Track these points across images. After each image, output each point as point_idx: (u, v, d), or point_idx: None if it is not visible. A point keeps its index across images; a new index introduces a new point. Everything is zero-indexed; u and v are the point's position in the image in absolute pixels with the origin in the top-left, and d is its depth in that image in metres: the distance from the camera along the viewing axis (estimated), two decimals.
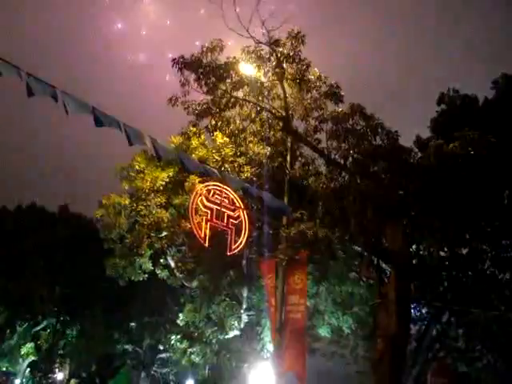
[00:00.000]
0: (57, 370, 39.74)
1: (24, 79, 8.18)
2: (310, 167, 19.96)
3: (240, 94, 17.75)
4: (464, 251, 19.96)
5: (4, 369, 39.44)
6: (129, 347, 35.87)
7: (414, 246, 19.30)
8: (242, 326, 20.65)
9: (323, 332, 22.27)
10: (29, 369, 37.82)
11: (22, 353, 36.27)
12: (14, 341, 35.87)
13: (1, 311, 33.96)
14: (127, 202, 19.87)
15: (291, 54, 17.64)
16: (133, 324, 34.90)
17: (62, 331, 36.02)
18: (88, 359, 36.24)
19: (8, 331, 35.52)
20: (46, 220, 34.56)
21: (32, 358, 36.60)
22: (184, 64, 17.59)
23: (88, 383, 38.34)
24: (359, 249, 19.11)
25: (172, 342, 21.57)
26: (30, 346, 36.07)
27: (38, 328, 35.81)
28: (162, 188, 19.13)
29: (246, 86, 17.68)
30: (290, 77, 17.64)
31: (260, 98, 17.85)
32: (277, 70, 17.46)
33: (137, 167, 19.97)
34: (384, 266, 17.37)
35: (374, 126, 17.50)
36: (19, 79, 8.22)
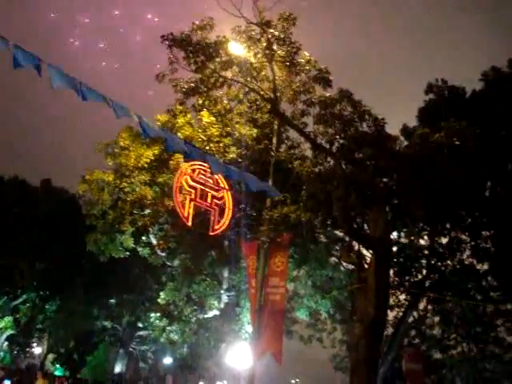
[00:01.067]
0: (35, 344, 39.68)
1: (11, 49, 8.02)
2: (296, 151, 19.98)
3: (229, 74, 17.59)
4: (444, 240, 20.16)
5: None
6: (108, 324, 35.88)
7: (395, 233, 19.45)
8: (222, 306, 20.76)
9: (301, 315, 22.49)
10: (6, 342, 37.69)
11: (0, 326, 36.11)
12: None
13: None
14: (111, 178, 19.75)
15: (282, 36, 17.47)
16: (112, 301, 34.86)
17: (41, 306, 35.84)
18: (67, 335, 36.20)
19: None
20: (28, 194, 34.17)
21: (10, 331, 36.45)
22: (173, 41, 17.37)
23: (66, 358, 38.35)
24: (341, 234, 19.25)
25: (151, 319, 21.67)
26: (8, 319, 35.87)
27: (17, 302, 35.57)
28: (146, 165, 19.03)
29: (235, 66, 17.52)
30: (279, 59, 17.46)
31: (249, 79, 17.70)
32: (267, 51, 17.27)
33: (121, 144, 19.81)
34: (365, 251, 17.48)
35: (361, 112, 17.45)
36: (6, 50, 8.06)
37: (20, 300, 35.54)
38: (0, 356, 37.32)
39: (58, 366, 39.26)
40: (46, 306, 35.69)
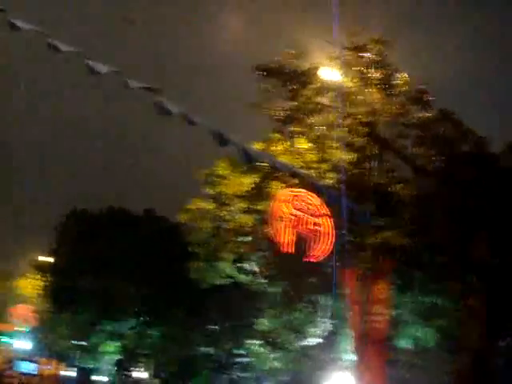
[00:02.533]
0: (141, 369, 40.92)
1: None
2: (395, 174, 19.53)
3: (324, 99, 17.65)
4: None
5: (90, 366, 41.10)
6: (210, 350, 36.36)
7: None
8: (323, 333, 20.48)
9: (405, 343, 21.72)
10: (113, 367, 39.19)
11: (108, 351, 37.63)
12: (100, 339, 37.29)
13: (88, 310, 35.40)
14: (211, 206, 20.20)
15: (377, 59, 17.38)
16: (213, 327, 35.36)
17: (146, 332, 37.03)
18: (170, 360, 37.02)
19: (95, 329, 36.96)
20: (133, 223, 35.71)
21: (118, 356, 37.90)
22: (267, 71, 17.71)
23: (170, 383, 39.19)
24: (445, 259, 18.53)
25: (253, 346, 21.71)
26: (116, 344, 37.36)
27: (124, 327, 36.99)
28: (245, 194, 19.29)
29: (330, 92, 17.56)
30: (375, 82, 17.36)
31: (345, 104, 17.66)
32: (362, 75, 17.23)
33: (220, 173, 20.25)
34: (471, 277, 16.75)
35: (462, 132, 16.93)
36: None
37: (126, 326, 36.93)
38: (108, 380, 38.81)
39: None
40: (151, 332, 36.81)
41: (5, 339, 51.67)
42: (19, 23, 6.31)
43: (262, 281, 20.73)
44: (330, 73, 17.62)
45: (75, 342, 38.16)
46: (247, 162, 13.06)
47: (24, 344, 43.90)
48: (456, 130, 17.16)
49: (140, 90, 8.66)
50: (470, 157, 16.79)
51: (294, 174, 13.16)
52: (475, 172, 16.31)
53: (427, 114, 17.55)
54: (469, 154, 16.94)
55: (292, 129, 18.97)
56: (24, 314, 48.26)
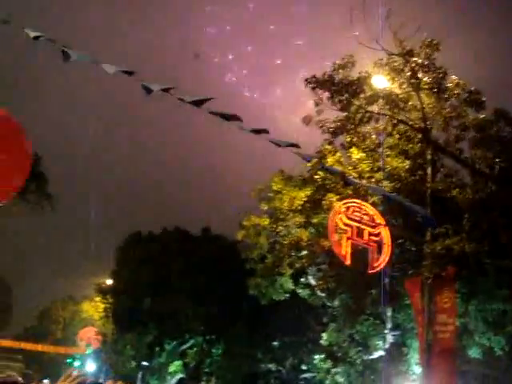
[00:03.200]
0: None
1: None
2: (453, 179, 19.04)
3: (375, 108, 17.45)
4: None
5: None
6: (272, 366, 36.20)
7: None
8: (387, 346, 20.04)
9: (474, 353, 21.00)
10: None
11: (171, 370, 38.02)
12: (162, 359, 37.75)
13: (150, 330, 35.92)
14: (267, 222, 20.27)
15: (426, 63, 17.08)
16: (275, 343, 35.22)
17: (207, 350, 37.24)
18: (233, 377, 37.04)
19: (157, 349, 37.45)
20: (190, 242, 36.19)
21: (180, 375, 38.22)
22: (316, 83, 17.67)
23: None
24: (510, 263, 17.89)
25: (315, 361, 21.50)
26: (177, 363, 37.72)
27: (185, 346, 37.34)
28: (300, 207, 19.24)
29: (380, 100, 17.35)
30: (426, 86, 17.03)
31: (396, 111, 17.41)
32: (412, 80, 16.94)
33: (274, 188, 20.31)
34: None
35: None
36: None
37: (188, 344, 37.29)
38: None
39: None
40: (213, 350, 36.99)
41: (77, 363, 53.21)
42: None
43: (321, 294, 20.56)
44: (379, 80, 17.42)
45: (140, 363, 38.72)
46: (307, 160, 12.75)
47: (90, 366, 44.97)
48: None
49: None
50: None
51: (347, 182, 13.01)
52: None
53: (482, 116, 17.08)
54: None
55: (344, 139, 18.84)
56: (89, 337, 49.47)
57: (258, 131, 8.39)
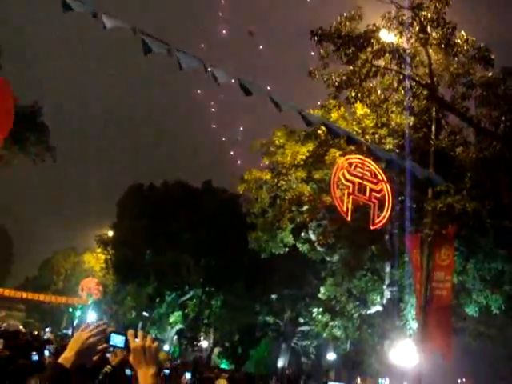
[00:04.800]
0: (202, 338, 41.89)
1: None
2: (458, 137, 18.88)
3: (381, 62, 17.08)
4: None
5: (154, 336, 42.24)
6: (270, 319, 36.79)
7: None
8: (385, 301, 20.29)
9: (470, 311, 21.25)
10: (176, 336, 40.25)
11: (170, 321, 38.70)
12: (162, 309, 38.37)
13: (151, 282, 36.34)
14: (268, 176, 20.21)
15: (435, 17, 16.64)
16: (273, 296, 35.70)
17: (207, 301, 37.79)
18: (231, 329, 37.70)
19: (158, 300, 37.99)
20: (192, 195, 36.18)
21: (179, 326, 38.90)
22: (323, 35, 17.27)
23: (230, 352, 39.97)
24: (511, 224, 17.88)
25: (313, 314, 21.78)
26: (177, 314, 38.37)
27: (185, 298, 37.87)
28: (302, 162, 19.16)
29: (387, 54, 16.96)
30: (434, 42, 16.64)
31: (403, 66, 17.05)
32: (420, 35, 16.54)
33: (277, 142, 20.17)
34: None
35: None
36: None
37: (188, 296, 37.83)
38: (170, 349, 39.92)
39: (223, 359, 41.08)
40: (212, 302, 37.54)
41: (78, 313, 53.99)
42: None
43: (321, 249, 20.66)
44: (386, 34, 17.02)
45: (140, 313, 39.34)
46: (308, 124, 12.88)
47: (91, 316, 45.66)
48: None
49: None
50: None
51: (351, 140, 12.82)
52: None
53: (489, 73, 16.76)
54: None
55: (348, 94, 18.57)
56: (90, 287, 50.05)
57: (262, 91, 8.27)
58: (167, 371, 12.35)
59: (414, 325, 18.62)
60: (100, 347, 2.65)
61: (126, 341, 2.56)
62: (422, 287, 16.58)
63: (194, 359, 39.71)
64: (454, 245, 16.71)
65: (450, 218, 15.75)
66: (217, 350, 41.60)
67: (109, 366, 4.74)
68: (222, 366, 39.14)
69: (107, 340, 2.66)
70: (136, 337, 2.48)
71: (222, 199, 35.81)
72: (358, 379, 20.22)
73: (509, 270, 19.79)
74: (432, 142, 17.41)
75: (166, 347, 38.89)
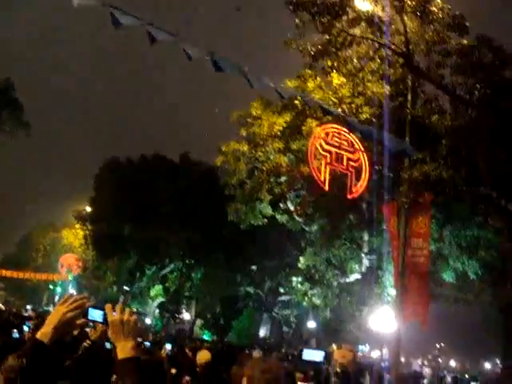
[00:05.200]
0: (183, 310, 42.18)
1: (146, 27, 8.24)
2: (433, 105, 18.95)
3: (357, 31, 16.99)
4: None
5: (135, 309, 42.43)
6: (251, 290, 37.13)
7: None
8: (363, 269, 20.56)
9: (447, 277, 21.63)
10: (158, 310, 40.46)
11: (152, 294, 38.84)
12: (143, 283, 38.47)
13: (131, 256, 36.32)
14: (246, 148, 20.16)
15: None
16: (254, 267, 35.97)
17: (187, 274, 37.95)
18: (212, 301, 37.98)
19: (138, 274, 38.04)
20: (169, 169, 35.97)
21: (160, 299, 39.07)
22: (298, 4, 17.08)
23: (213, 323, 40.34)
24: (487, 190, 18.13)
25: (293, 284, 22.03)
26: (158, 288, 38.50)
27: (166, 271, 37.97)
28: (279, 133, 19.14)
29: (363, 23, 16.88)
30: (409, 9, 16.55)
31: (378, 35, 16.99)
32: (395, 3, 16.44)
33: (254, 113, 20.08)
34: None
35: (502, 57, 16.19)
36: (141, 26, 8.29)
37: (168, 269, 37.93)
38: (152, 323, 40.16)
39: (205, 331, 41.47)
40: (192, 274, 37.72)
41: (58, 289, 53.86)
42: None
43: (299, 219, 20.79)
44: (362, 2, 16.88)
45: (121, 288, 39.41)
46: (282, 98, 12.92)
47: (71, 292, 45.63)
48: (496, 56, 16.39)
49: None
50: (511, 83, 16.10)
51: (326, 111, 12.81)
52: None
53: (465, 41, 16.79)
54: (510, 80, 16.23)
55: (324, 64, 18.47)
56: (70, 263, 49.91)
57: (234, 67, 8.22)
58: (148, 344, 12.41)
59: (392, 292, 18.91)
60: (78, 322, 2.64)
61: (105, 315, 2.56)
62: (399, 255, 16.80)
63: (176, 331, 40.03)
64: (430, 212, 16.89)
65: (426, 186, 15.90)
66: (199, 322, 41.95)
67: (88, 341, 4.75)
68: (205, 337, 39.51)
69: (85, 314, 2.65)
70: (114, 310, 2.47)
71: (199, 172, 35.66)
72: (334, 346, 20.53)
73: (485, 236, 20.13)
74: (408, 110, 17.46)
75: (148, 321, 39.10)
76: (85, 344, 4.70)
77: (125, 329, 2.40)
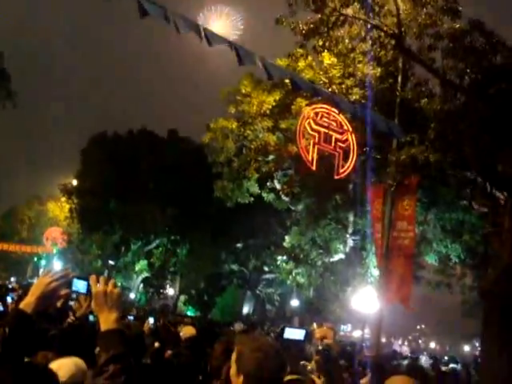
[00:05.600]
0: (168, 286, 42.34)
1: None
2: (423, 88, 18.96)
3: (349, 11, 16.87)
4: None
5: (119, 284, 42.53)
6: (235, 267, 37.33)
7: None
8: (347, 249, 20.73)
9: (430, 260, 21.88)
10: (142, 284, 40.57)
11: (136, 269, 38.89)
12: (128, 258, 38.48)
13: (116, 230, 36.28)
14: (234, 125, 20.09)
15: None
16: (239, 245, 36.10)
17: (172, 250, 38.01)
18: (197, 277, 38.14)
19: (123, 249, 38.04)
20: (157, 144, 35.82)
21: (145, 274, 39.16)
22: None
23: (196, 300, 40.56)
24: (472, 175, 18.26)
25: (278, 263, 22.16)
26: (143, 263, 38.56)
27: (151, 246, 38.01)
28: (268, 112, 19.08)
29: (355, 3, 16.75)
30: None
31: (371, 15, 16.88)
32: None
33: (243, 91, 19.96)
34: (498, 193, 16.49)
35: (494, 43, 16.16)
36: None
37: (153, 245, 37.97)
38: (136, 297, 40.30)
39: (189, 307, 41.70)
40: (177, 250, 37.80)
41: (43, 261, 53.70)
42: None
43: (286, 198, 20.85)
44: None
45: (106, 262, 39.42)
46: (269, 78, 12.86)
47: (56, 265, 45.56)
48: (487, 41, 16.36)
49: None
50: (502, 69, 16.09)
51: (315, 91, 12.74)
52: (507, 86, 15.67)
53: (457, 25, 16.74)
54: (501, 67, 16.23)
55: (316, 43, 18.36)
56: (55, 236, 49.75)
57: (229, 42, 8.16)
58: (132, 318, 12.46)
59: (376, 272, 19.09)
60: (62, 292, 2.64)
61: (89, 286, 2.56)
62: (384, 237, 16.91)
63: (159, 307, 40.20)
64: (416, 195, 17.01)
65: (413, 168, 15.96)
66: (183, 298, 42.13)
67: (72, 317, 4.76)
68: (188, 313, 39.74)
69: (69, 285, 2.65)
70: (98, 282, 2.47)
71: (187, 148, 35.55)
72: (314, 325, 20.72)
73: (469, 221, 20.33)
74: (398, 92, 17.46)
75: (132, 295, 39.22)
76: (69, 320, 4.71)
77: (108, 300, 2.40)
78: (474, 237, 20.15)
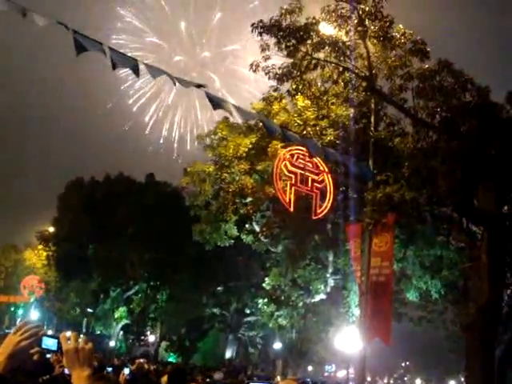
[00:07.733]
0: (148, 332, 41.58)
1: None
2: (396, 128, 19.34)
3: (321, 55, 17.30)
4: None
5: (99, 332, 41.74)
6: (216, 311, 36.88)
7: (506, 208, 18.42)
8: (329, 289, 20.68)
9: (411, 296, 21.88)
10: (122, 332, 39.80)
11: (116, 316, 38.21)
12: (107, 305, 37.85)
13: (95, 278, 35.76)
14: (211, 169, 20.23)
15: (373, 10, 16.97)
16: (219, 288, 35.77)
17: (152, 295, 37.51)
18: (178, 322, 37.60)
19: (102, 296, 37.43)
20: (134, 189, 35.74)
21: (125, 321, 38.47)
22: (263, 28, 17.33)
23: (178, 345, 39.86)
24: (448, 211, 18.49)
25: (259, 305, 21.99)
26: (122, 309, 37.90)
27: (130, 293, 37.46)
28: (245, 154, 19.27)
29: (327, 47, 17.20)
30: (372, 34, 16.97)
31: (342, 59, 17.31)
32: (359, 28, 16.84)
33: (219, 135, 20.19)
34: (475, 228, 16.71)
35: (463, 82, 16.66)
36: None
37: (133, 291, 37.44)
38: (117, 345, 39.48)
39: (171, 353, 40.94)
40: (157, 296, 37.31)
41: (20, 311, 52.50)
42: None
43: (265, 240, 20.85)
44: (326, 27, 17.24)
45: (85, 310, 38.73)
46: (244, 120, 12.98)
47: (33, 314, 44.58)
48: (456, 80, 16.87)
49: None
50: (472, 107, 16.54)
51: (285, 136, 12.90)
52: (477, 122, 16.08)
53: (426, 66, 17.24)
54: (470, 105, 16.69)
55: (289, 87, 18.72)
56: (32, 285, 48.84)
57: (198, 86, 8.26)
58: (110, 369, 12.18)
59: (357, 311, 19.03)
60: (32, 351, 2.61)
61: (59, 343, 2.54)
62: (363, 275, 16.94)
63: (140, 354, 39.37)
64: (392, 232, 17.11)
65: (390, 206, 16.12)
66: (164, 344, 41.38)
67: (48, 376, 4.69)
68: (170, 359, 38.99)
69: (39, 343, 2.62)
70: (69, 339, 2.45)
71: (165, 192, 35.54)
72: (278, 378, 20.33)
73: (447, 256, 20.47)
74: (371, 132, 17.77)
75: (112, 343, 38.43)
76: (44, 378, 4.64)
77: (80, 357, 2.38)
78: (453, 272, 20.25)
